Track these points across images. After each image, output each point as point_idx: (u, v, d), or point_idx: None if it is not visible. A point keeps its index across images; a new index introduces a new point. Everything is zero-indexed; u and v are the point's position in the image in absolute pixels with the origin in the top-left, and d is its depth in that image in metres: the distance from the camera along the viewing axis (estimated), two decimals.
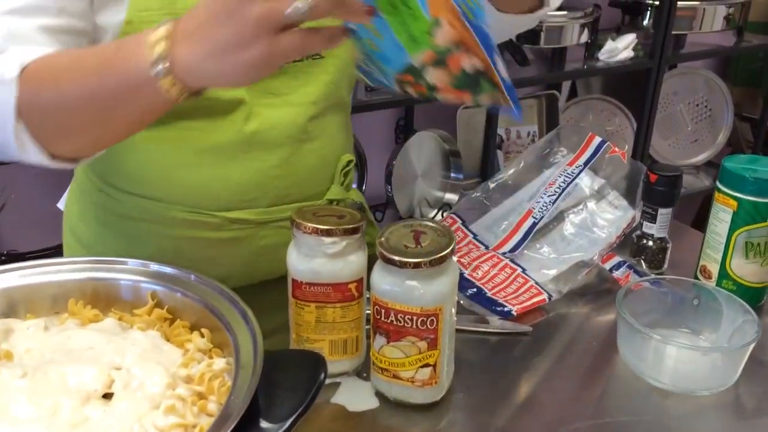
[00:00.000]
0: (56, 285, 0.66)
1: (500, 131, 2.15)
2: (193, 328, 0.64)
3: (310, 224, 0.66)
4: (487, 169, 2.09)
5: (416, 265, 0.62)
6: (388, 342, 0.65)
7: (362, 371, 0.72)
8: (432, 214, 2.07)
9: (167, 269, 0.65)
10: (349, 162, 0.89)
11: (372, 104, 1.81)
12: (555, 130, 1.00)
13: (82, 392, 0.55)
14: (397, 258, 0.63)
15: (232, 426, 0.48)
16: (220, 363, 0.59)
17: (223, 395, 0.55)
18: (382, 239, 0.65)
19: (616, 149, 0.96)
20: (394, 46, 0.54)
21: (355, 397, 0.69)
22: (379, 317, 0.65)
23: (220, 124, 0.78)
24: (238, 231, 0.83)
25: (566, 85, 2.34)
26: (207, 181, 0.81)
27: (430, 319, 0.63)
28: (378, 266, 0.65)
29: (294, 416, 0.51)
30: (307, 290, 0.68)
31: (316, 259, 0.67)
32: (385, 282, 0.64)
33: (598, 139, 0.96)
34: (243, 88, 0.77)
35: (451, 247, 0.64)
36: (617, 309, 0.73)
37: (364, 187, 1.96)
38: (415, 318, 0.63)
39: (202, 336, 0.62)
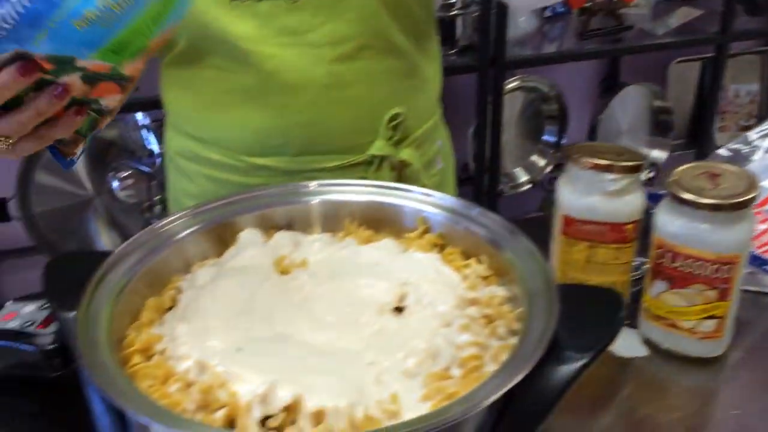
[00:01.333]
0: (333, 204, 0.68)
1: None
2: (465, 255, 0.64)
3: (589, 159, 0.63)
4: (699, 128, 1.93)
5: (715, 207, 0.58)
6: (670, 288, 0.62)
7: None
8: None
9: (448, 199, 0.65)
10: (397, 115, 0.78)
11: (576, 54, 1.73)
12: None
13: (375, 304, 0.57)
14: (692, 198, 0.58)
15: (542, 350, 0.47)
16: (501, 290, 0.59)
17: (512, 321, 0.55)
18: (674, 179, 0.61)
19: None
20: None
21: (621, 342, 0.67)
22: (662, 261, 0.62)
23: (238, 65, 0.74)
24: (265, 178, 0.79)
25: None
26: (233, 124, 0.78)
27: (726, 266, 0.59)
28: (666, 206, 0.61)
29: (598, 348, 0.50)
30: (580, 228, 0.65)
31: (592, 196, 0.64)
32: (674, 224, 0.60)
33: None
34: (254, 26, 0.72)
35: (755, 191, 0.58)
36: None
37: (563, 140, 1.89)
38: (708, 265, 0.59)
39: (480, 263, 0.62)
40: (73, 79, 0.52)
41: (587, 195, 0.64)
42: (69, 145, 0.57)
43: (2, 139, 0.52)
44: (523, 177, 1.92)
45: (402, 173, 0.81)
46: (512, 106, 1.85)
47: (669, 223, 0.60)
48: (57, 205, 1.60)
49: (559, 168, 1.94)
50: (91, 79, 0.53)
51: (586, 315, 0.53)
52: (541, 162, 1.92)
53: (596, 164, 0.63)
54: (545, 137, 1.91)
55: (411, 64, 0.79)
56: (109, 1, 0.48)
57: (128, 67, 0.54)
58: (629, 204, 0.64)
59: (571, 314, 0.52)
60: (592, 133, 1.86)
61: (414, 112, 0.81)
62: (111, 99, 0.56)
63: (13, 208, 1.52)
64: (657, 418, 0.62)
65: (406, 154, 0.80)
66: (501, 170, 1.76)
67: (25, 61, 0.49)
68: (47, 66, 0.50)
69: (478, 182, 1.69)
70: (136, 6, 0.49)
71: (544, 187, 2.00)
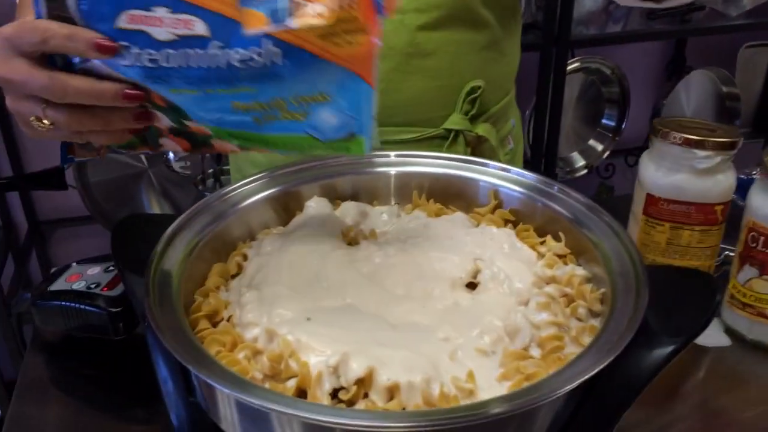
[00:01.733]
0: (402, 176, 0.66)
1: None
2: (539, 232, 0.61)
3: (679, 134, 0.60)
4: (766, 116, 1.85)
5: None
6: (760, 275, 0.58)
7: None
8: None
9: (527, 175, 0.62)
10: (476, 88, 0.75)
11: (643, 34, 1.66)
12: None
13: (448, 278, 0.55)
14: None
15: (632, 333, 0.44)
16: (580, 269, 0.55)
17: (594, 302, 0.52)
18: None
19: None
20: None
21: None
22: (754, 245, 0.58)
23: None
24: None
25: None
26: None
27: None
28: (761, 187, 0.57)
29: (690, 333, 0.47)
30: (664, 208, 0.62)
31: (680, 173, 0.61)
32: None
33: None
34: None
35: None
36: None
37: (624, 125, 1.83)
38: None
39: (557, 240, 0.59)
40: (165, 118, 0.49)
41: (674, 172, 0.61)
42: (89, 150, 0.53)
43: (47, 124, 0.49)
44: (579, 162, 1.86)
45: (476, 150, 0.79)
46: (571, 88, 1.79)
47: (764, 204, 0.56)
48: (112, 175, 1.62)
49: (617, 153, 1.88)
50: (180, 132, 0.51)
51: (677, 298, 0.50)
52: (599, 147, 1.86)
53: (687, 139, 0.59)
54: (604, 121, 1.85)
55: (493, 38, 0.77)
56: (284, 107, 0.46)
57: (220, 144, 0.51)
58: (720, 184, 0.60)
59: (660, 296, 0.49)
60: (654, 118, 1.79)
61: (492, 87, 0.78)
62: (172, 144, 0.52)
63: (70, 177, 1.55)
64: (736, 411, 0.59)
65: (482, 129, 0.77)
66: (557, 154, 1.72)
67: (136, 89, 0.47)
68: (159, 102, 0.48)
69: (534, 166, 1.65)
70: (296, 128, 0.47)
71: (600, 173, 1.94)
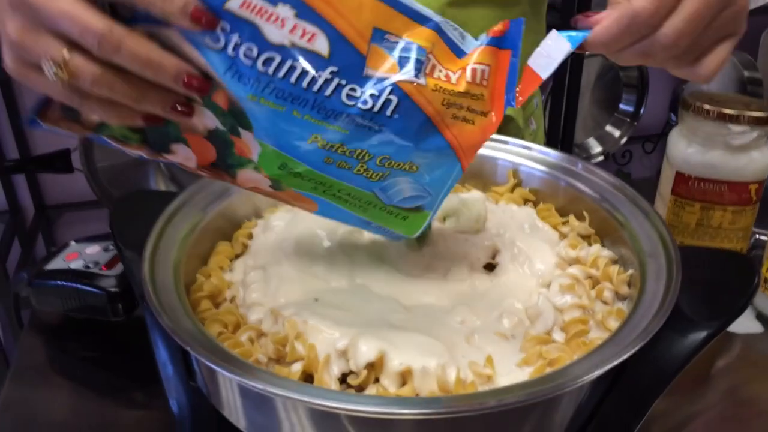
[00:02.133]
0: None
1: None
2: (561, 212, 0.58)
3: (713, 108, 0.56)
4: None
5: None
6: None
7: None
8: None
9: (550, 153, 0.59)
10: None
11: None
12: None
13: (464, 259, 0.51)
14: None
15: (665, 317, 0.41)
16: (606, 250, 0.52)
17: (621, 284, 0.49)
18: None
19: None
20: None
21: None
22: None
23: None
24: None
25: None
26: None
27: None
28: None
29: (725, 318, 0.43)
30: (695, 187, 0.58)
31: (713, 150, 0.57)
32: None
33: None
34: None
35: None
36: None
37: (642, 111, 1.78)
38: None
39: (580, 220, 0.55)
40: (210, 119, 0.41)
41: (707, 149, 0.57)
42: (72, 121, 0.43)
43: (63, 74, 0.38)
44: (596, 148, 1.82)
45: (502, 129, 0.76)
46: (588, 72, 1.75)
47: None
48: (119, 159, 1.59)
49: (635, 140, 1.83)
50: (218, 139, 0.43)
51: (710, 280, 0.46)
52: (616, 133, 1.82)
53: (721, 113, 0.55)
54: (622, 106, 1.80)
55: (522, 17, 0.74)
56: (364, 162, 0.41)
57: (246, 177, 0.45)
58: (755, 161, 0.57)
59: (692, 279, 0.46)
60: (674, 103, 1.75)
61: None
62: (185, 153, 0.44)
63: (76, 160, 1.52)
64: (766, 401, 0.56)
65: (508, 108, 0.75)
66: (574, 140, 1.68)
67: (200, 77, 0.38)
68: (220, 102, 0.40)
69: None
70: (363, 184, 0.42)
71: (617, 160, 1.90)
